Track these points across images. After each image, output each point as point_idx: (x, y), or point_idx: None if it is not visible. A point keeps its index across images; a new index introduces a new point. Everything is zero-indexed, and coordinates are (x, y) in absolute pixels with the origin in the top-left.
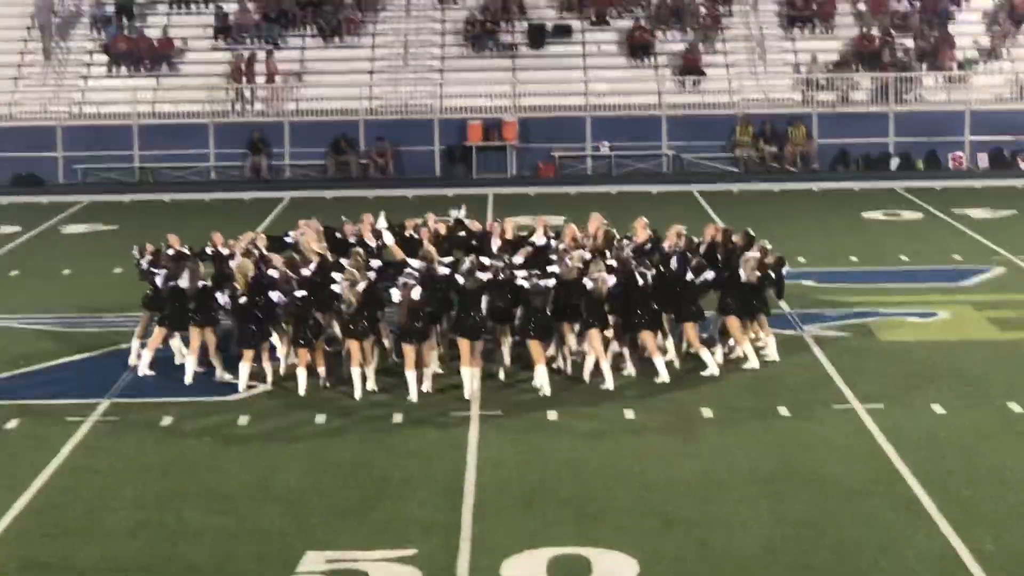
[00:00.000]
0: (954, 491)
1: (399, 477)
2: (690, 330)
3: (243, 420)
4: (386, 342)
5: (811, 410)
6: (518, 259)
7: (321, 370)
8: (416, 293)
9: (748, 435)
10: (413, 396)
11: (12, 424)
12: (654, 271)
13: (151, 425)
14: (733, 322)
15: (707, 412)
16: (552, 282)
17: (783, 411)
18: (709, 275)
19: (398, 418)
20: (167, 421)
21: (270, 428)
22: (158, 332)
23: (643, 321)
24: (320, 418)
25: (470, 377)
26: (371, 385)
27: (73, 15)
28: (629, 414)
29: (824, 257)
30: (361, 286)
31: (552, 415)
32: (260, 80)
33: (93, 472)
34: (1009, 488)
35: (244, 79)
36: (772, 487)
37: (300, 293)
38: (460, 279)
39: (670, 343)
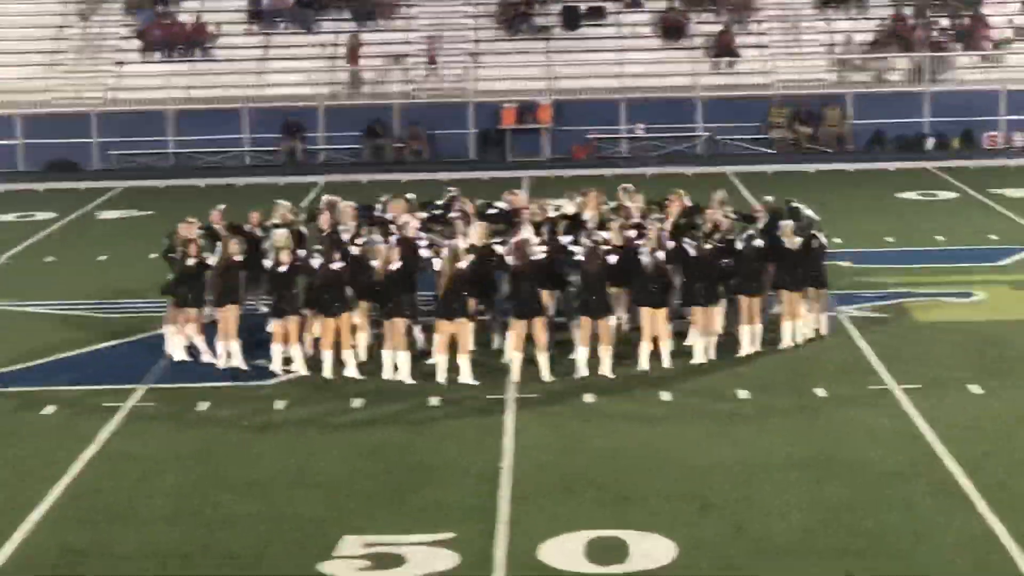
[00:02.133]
0: (992, 474)
1: (436, 462)
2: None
3: (279, 405)
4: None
5: (848, 392)
6: (565, 238)
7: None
8: (464, 263)
9: (785, 418)
10: (441, 378)
11: (48, 411)
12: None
13: (187, 411)
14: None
15: (744, 394)
16: (615, 258)
17: (820, 393)
18: (758, 242)
19: (434, 402)
20: (203, 407)
21: (306, 414)
22: (196, 314)
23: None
24: (356, 403)
25: (585, 357)
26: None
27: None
28: (666, 397)
29: (860, 238)
30: (395, 265)
31: (589, 398)
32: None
33: (130, 459)
34: None
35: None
36: (809, 471)
37: (338, 264)
38: (579, 257)
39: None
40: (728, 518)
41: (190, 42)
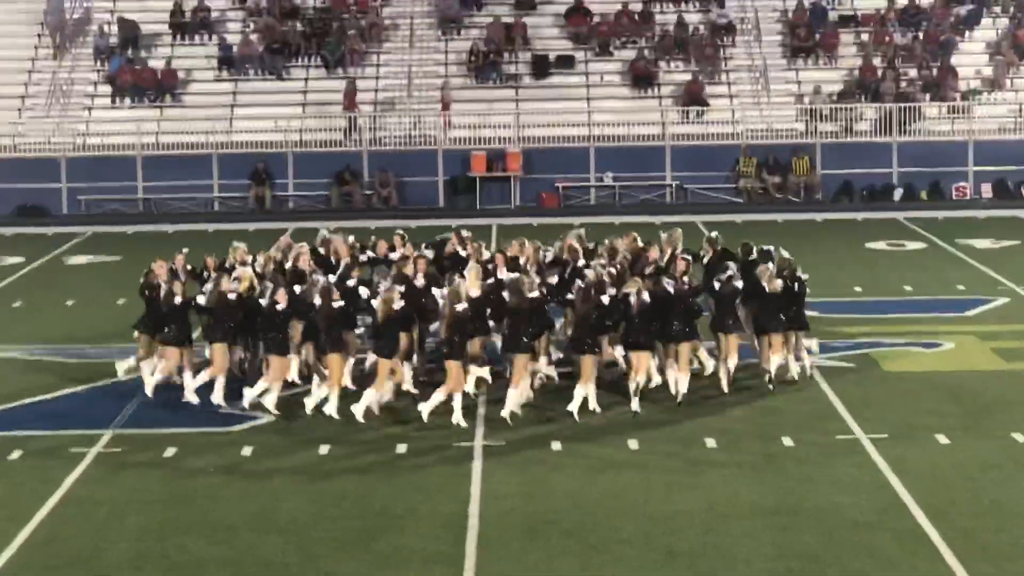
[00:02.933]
0: (958, 522)
1: (402, 508)
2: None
3: (246, 451)
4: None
5: (816, 441)
6: (552, 280)
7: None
8: (463, 305)
9: (752, 466)
10: (458, 418)
11: (15, 455)
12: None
13: (154, 456)
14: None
15: (711, 442)
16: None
17: (787, 442)
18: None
19: (401, 449)
20: (170, 452)
21: (273, 459)
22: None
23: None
24: (323, 449)
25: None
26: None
27: (78, 44)
28: (633, 445)
29: (828, 287)
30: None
31: (556, 446)
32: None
33: (96, 503)
34: (1013, 520)
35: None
36: (776, 519)
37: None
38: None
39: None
40: (694, 566)
41: (160, 88)
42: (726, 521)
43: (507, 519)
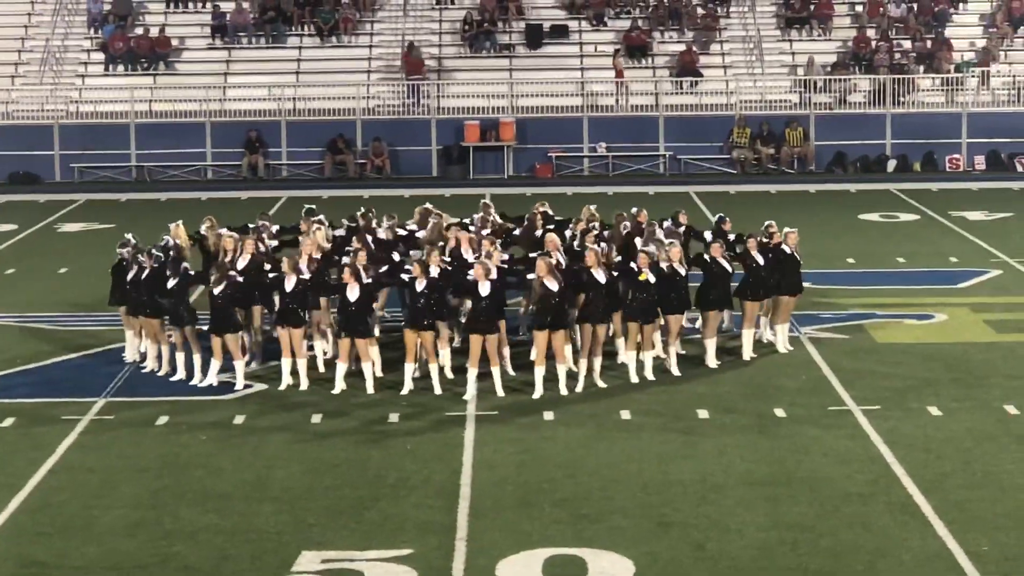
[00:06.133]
0: (951, 494)
1: (395, 477)
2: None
3: (239, 419)
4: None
5: (808, 412)
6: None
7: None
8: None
9: (745, 437)
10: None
11: (7, 423)
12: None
13: (147, 424)
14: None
15: (704, 414)
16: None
17: (780, 413)
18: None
19: (394, 418)
20: (162, 420)
21: (266, 427)
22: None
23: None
24: (316, 417)
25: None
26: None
27: (72, 11)
28: (626, 415)
29: (821, 259)
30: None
31: (548, 415)
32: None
33: (88, 471)
34: (1005, 491)
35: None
36: (768, 490)
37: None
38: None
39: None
40: (686, 536)
41: (153, 55)
42: (719, 491)
43: (500, 488)
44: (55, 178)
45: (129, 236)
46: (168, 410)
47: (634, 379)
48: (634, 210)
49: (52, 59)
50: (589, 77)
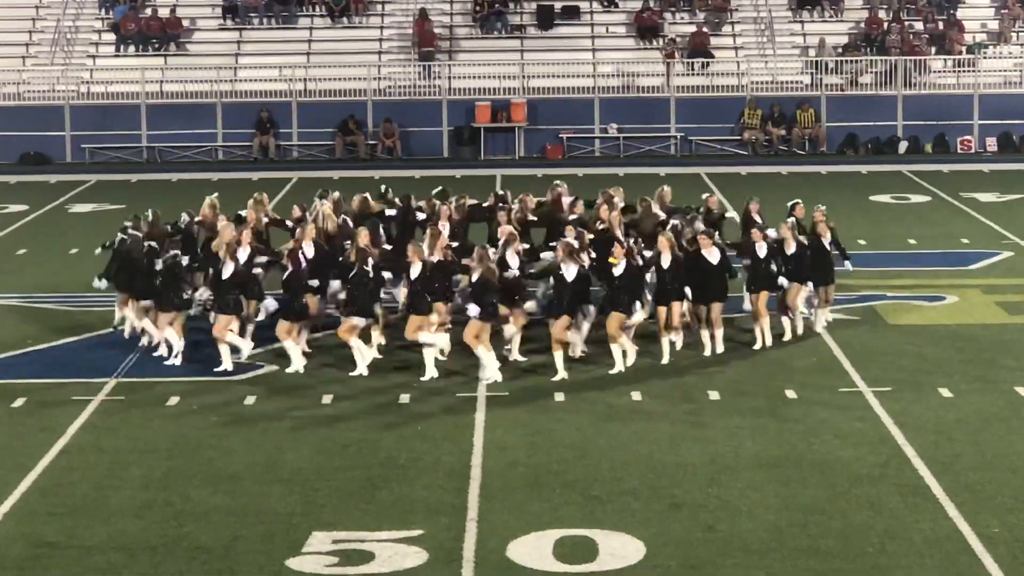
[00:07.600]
0: (961, 475)
1: (406, 458)
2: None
3: (249, 400)
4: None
5: (819, 394)
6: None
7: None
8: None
9: (755, 419)
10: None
11: (18, 403)
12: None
13: (157, 405)
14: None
15: (715, 395)
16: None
17: (791, 395)
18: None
19: (405, 399)
20: (173, 401)
21: (276, 408)
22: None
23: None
24: (327, 398)
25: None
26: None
27: None
28: (636, 397)
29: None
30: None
31: (559, 397)
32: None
33: (99, 451)
34: (1016, 472)
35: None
36: (779, 471)
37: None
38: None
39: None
40: (697, 517)
41: (164, 36)
42: (730, 473)
43: (511, 470)
44: (66, 159)
45: (129, 223)
46: (178, 391)
47: (665, 360)
48: (704, 196)
49: (63, 40)
50: (600, 58)
